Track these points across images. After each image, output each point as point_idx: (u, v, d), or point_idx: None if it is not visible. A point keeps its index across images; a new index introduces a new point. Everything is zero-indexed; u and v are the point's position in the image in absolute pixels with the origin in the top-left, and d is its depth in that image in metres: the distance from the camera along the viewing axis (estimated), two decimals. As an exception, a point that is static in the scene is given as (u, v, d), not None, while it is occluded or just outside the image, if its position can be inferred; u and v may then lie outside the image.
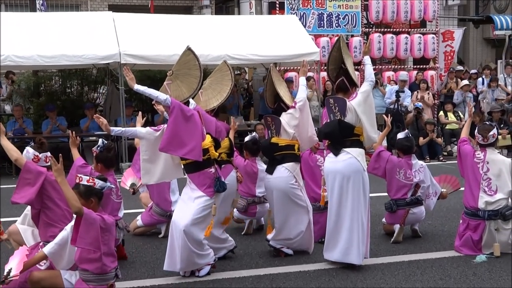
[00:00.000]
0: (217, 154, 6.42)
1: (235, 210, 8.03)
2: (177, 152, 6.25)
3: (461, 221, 7.20)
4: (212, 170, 6.33)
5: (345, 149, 6.56)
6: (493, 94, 17.59)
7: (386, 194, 7.97)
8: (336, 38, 7.03)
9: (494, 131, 7.14)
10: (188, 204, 6.27)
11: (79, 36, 13.37)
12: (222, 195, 6.41)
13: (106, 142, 6.95)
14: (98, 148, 6.83)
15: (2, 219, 7.36)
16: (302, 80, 7.32)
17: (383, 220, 7.99)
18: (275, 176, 6.91)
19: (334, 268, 6.64)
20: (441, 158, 15.07)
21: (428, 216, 8.20)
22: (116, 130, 6.51)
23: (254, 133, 8.90)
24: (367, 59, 6.95)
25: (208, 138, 6.37)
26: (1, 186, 11.12)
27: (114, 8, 18.09)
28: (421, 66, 18.62)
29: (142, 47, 13.38)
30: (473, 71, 19.79)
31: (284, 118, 6.98)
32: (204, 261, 6.37)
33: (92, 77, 16.53)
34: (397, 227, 7.63)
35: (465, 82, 17.41)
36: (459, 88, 17.41)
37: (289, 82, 14.85)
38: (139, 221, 8.12)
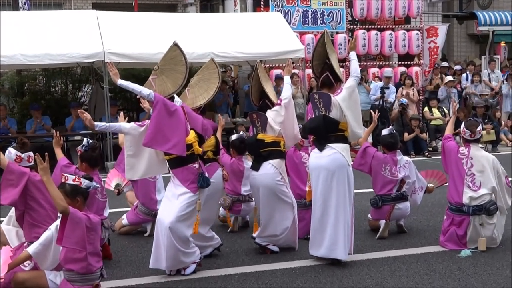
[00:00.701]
0: (201, 149, 6.41)
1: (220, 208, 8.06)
2: (161, 147, 6.24)
3: (445, 217, 7.24)
4: (196, 165, 6.32)
5: (329, 144, 6.58)
6: (476, 89, 17.69)
7: (371, 190, 8.01)
8: (321, 33, 7.02)
9: (480, 127, 7.22)
10: (172, 201, 6.25)
11: (63, 35, 13.26)
12: (206, 191, 6.39)
13: (91, 141, 6.92)
14: (83, 148, 6.80)
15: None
16: (287, 79, 7.37)
17: (369, 216, 8.01)
18: (261, 173, 6.91)
19: (320, 264, 6.65)
20: (426, 153, 15.12)
21: (413, 212, 8.23)
22: (100, 125, 6.49)
23: (241, 132, 8.91)
24: (352, 55, 6.97)
25: (192, 134, 6.35)
26: None
27: (97, 6, 17.99)
28: (406, 63, 18.67)
29: (126, 46, 13.31)
30: (457, 67, 19.87)
31: (270, 115, 7.00)
32: (190, 259, 6.36)
33: (76, 76, 16.44)
34: (382, 222, 7.65)
35: (450, 78, 17.47)
36: (443, 84, 17.48)
37: (279, 79, 14.84)
38: (124, 220, 8.09)
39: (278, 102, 7.08)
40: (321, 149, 6.62)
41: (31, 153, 5.99)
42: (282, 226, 7.00)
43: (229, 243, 7.53)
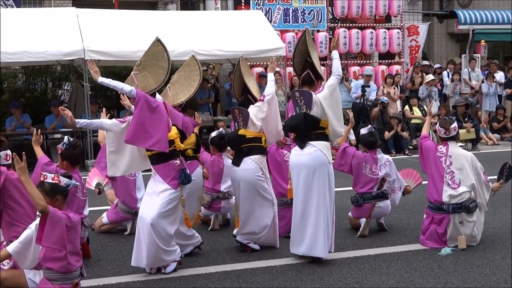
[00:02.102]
0: (183, 146, 6.39)
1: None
2: (143, 144, 6.24)
3: (425, 215, 7.26)
4: (177, 161, 6.30)
5: (310, 142, 6.58)
6: (456, 88, 17.80)
7: (351, 188, 8.01)
8: (302, 31, 7.02)
9: (455, 124, 7.26)
10: (154, 198, 6.23)
11: (43, 33, 13.14)
12: (187, 188, 6.37)
13: (71, 139, 6.87)
14: (64, 146, 6.75)
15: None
16: (271, 76, 7.37)
17: (349, 214, 8.02)
18: (242, 168, 6.90)
19: (301, 263, 6.65)
20: (407, 152, 15.17)
21: (394, 210, 8.26)
22: (81, 122, 6.49)
23: (221, 129, 8.88)
24: (335, 54, 6.98)
25: (174, 130, 6.35)
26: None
27: (78, 4, 17.87)
28: (387, 61, 18.75)
29: (106, 43, 13.23)
30: (436, 65, 19.98)
31: (252, 110, 6.99)
32: (171, 257, 6.34)
33: (56, 73, 16.31)
34: (363, 221, 7.67)
35: (431, 77, 17.57)
36: (424, 83, 17.57)
37: (263, 77, 14.81)
38: (104, 218, 8.04)
39: (261, 98, 7.07)
40: (302, 146, 6.61)
41: (9, 152, 5.93)
42: (262, 223, 6.99)
43: (210, 242, 7.51)
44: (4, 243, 5.75)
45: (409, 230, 7.91)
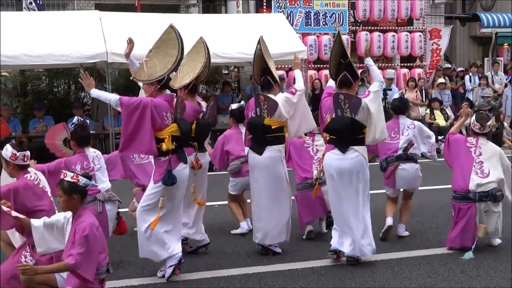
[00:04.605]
0: (171, 146, 6.17)
1: (229, 186, 8.14)
2: (134, 151, 6.38)
3: (452, 212, 7.18)
4: (162, 159, 6.19)
5: (353, 146, 6.60)
6: (483, 92, 17.65)
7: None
8: (336, 33, 6.98)
9: (491, 122, 7.26)
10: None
11: (66, 36, 13.26)
12: (171, 189, 6.23)
13: (81, 119, 6.96)
14: (73, 126, 6.84)
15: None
16: (298, 72, 7.30)
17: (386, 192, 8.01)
18: (265, 156, 6.95)
19: (322, 266, 6.66)
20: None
21: (416, 214, 8.23)
22: (95, 92, 6.42)
23: (242, 101, 8.94)
24: (369, 60, 7.05)
25: (172, 128, 6.23)
26: None
27: (100, 7, 17.99)
28: (408, 64, 18.67)
29: (129, 46, 13.29)
30: (460, 69, 19.85)
31: (280, 99, 6.97)
32: (162, 253, 6.24)
33: (79, 76, 16.43)
34: (388, 221, 7.64)
35: (441, 80, 17.44)
36: (435, 86, 17.47)
37: (283, 80, 14.79)
38: (136, 203, 8.03)
39: (292, 90, 7.08)
40: (344, 151, 6.61)
41: (27, 152, 5.96)
42: (279, 216, 7.02)
43: (231, 244, 7.53)
44: (27, 242, 5.76)
45: (431, 234, 7.87)
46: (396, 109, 7.95)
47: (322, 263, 6.72)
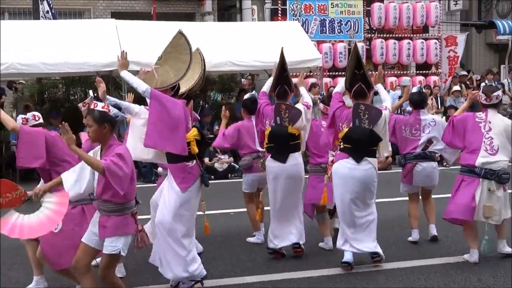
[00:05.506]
0: (197, 150, 6.16)
1: (243, 183, 8.13)
2: (162, 147, 6.02)
3: (455, 181, 7.08)
4: (189, 164, 6.12)
5: (367, 158, 6.67)
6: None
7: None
8: (353, 46, 7.09)
9: (499, 92, 7.15)
10: (164, 198, 6.20)
11: (83, 44, 13.39)
12: (195, 197, 6.22)
13: (95, 95, 6.82)
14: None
15: None
16: (303, 89, 7.54)
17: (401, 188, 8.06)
18: (291, 163, 7.07)
19: (338, 274, 6.66)
20: (444, 163, 14.99)
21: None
22: (111, 99, 6.26)
23: (253, 92, 8.96)
24: (380, 87, 7.23)
25: (194, 131, 6.21)
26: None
27: (117, 15, 18.11)
28: (424, 72, 18.62)
29: (145, 54, 13.34)
30: (477, 76, 19.75)
31: (302, 109, 7.12)
32: (181, 268, 6.09)
33: (95, 84, 16.51)
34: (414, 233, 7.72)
35: (456, 87, 17.38)
36: (450, 93, 17.41)
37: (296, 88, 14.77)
38: None
39: (306, 104, 7.20)
40: (358, 161, 6.65)
41: (35, 112, 6.13)
42: (299, 219, 7.20)
43: (246, 252, 7.54)
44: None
45: (447, 243, 7.83)
46: (415, 102, 7.98)
47: (337, 271, 6.71)
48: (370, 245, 6.76)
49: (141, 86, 6.05)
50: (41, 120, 6.19)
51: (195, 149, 6.14)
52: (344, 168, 6.70)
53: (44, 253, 5.89)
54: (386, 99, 7.06)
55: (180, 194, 6.07)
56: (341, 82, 7.23)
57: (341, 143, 6.79)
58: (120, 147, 5.26)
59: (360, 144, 6.66)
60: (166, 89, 6.21)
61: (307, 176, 7.59)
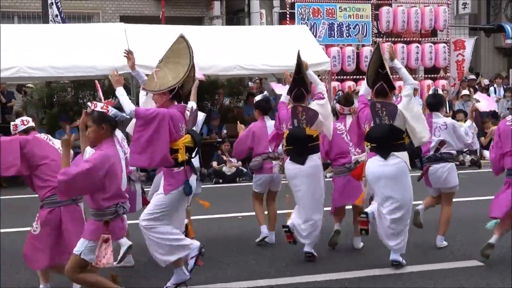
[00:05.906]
0: (186, 157, 6.14)
1: (253, 183, 8.18)
2: (146, 165, 6.28)
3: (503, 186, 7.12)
4: (176, 170, 6.12)
5: (394, 152, 6.72)
6: (508, 104, 17.51)
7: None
8: (376, 45, 7.17)
9: None
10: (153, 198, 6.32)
11: (91, 48, 13.45)
12: (182, 199, 6.25)
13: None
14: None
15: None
16: (313, 75, 7.58)
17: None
18: (310, 165, 7.13)
19: (346, 278, 6.64)
20: (478, 164, 14.97)
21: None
22: (121, 92, 6.21)
23: (265, 92, 8.97)
24: (397, 63, 7.14)
25: (186, 138, 6.17)
26: (3, 197, 11.18)
27: (125, 19, 18.18)
28: (432, 76, 18.59)
29: (153, 58, 13.30)
30: (486, 81, 19.69)
31: (317, 108, 7.16)
32: (176, 255, 6.19)
33: (104, 87, 16.56)
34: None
35: (465, 92, 17.35)
36: (459, 98, 17.38)
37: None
38: None
39: (320, 95, 7.26)
40: (385, 157, 6.73)
41: (24, 117, 6.24)
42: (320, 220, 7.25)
43: (254, 255, 7.54)
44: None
45: (456, 247, 7.81)
46: (431, 105, 7.95)
47: (345, 275, 6.70)
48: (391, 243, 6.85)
49: (128, 107, 6.02)
50: (30, 124, 6.25)
51: (182, 157, 6.11)
52: (375, 166, 6.81)
53: (23, 253, 6.10)
54: (406, 79, 7.01)
55: (162, 196, 6.15)
56: (363, 84, 7.29)
57: (368, 144, 6.92)
58: (97, 152, 5.31)
59: (382, 141, 6.76)
60: (164, 92, 6.22)
61: (330, 179, 7.64)
